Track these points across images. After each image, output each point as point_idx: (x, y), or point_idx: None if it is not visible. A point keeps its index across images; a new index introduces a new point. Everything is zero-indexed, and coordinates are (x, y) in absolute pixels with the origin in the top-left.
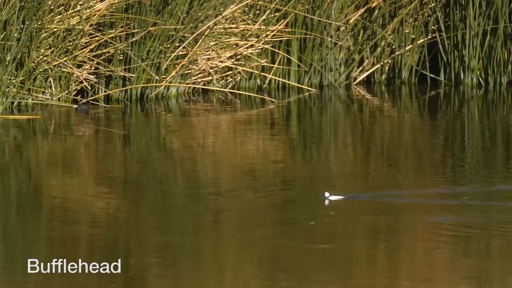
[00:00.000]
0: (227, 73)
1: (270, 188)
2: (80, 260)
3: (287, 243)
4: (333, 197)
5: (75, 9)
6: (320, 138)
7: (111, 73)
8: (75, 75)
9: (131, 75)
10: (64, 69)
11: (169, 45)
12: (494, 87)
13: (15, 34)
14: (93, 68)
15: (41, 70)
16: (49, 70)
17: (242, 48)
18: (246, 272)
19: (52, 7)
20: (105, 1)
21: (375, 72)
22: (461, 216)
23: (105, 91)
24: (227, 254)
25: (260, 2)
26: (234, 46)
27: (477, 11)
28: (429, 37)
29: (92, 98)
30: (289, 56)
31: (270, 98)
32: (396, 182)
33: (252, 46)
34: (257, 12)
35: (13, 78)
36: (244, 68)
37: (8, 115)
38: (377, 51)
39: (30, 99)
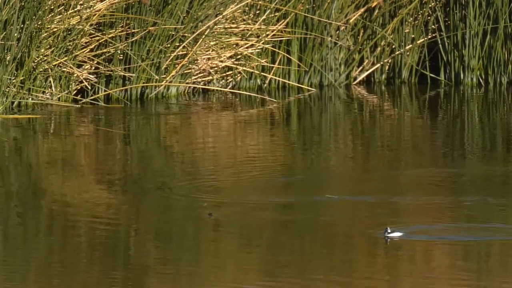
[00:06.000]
0: (227, 73)
1: (270, 187)
2: (80, 259)
3: (287, 242)
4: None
5: (75, 9)
6: (319, 137)
7: (111, 72)
8: (75, 75)
9: (131, 74)
10: (64, 69)
11: (169, 45)
12: (494, 87)
13: (15, 34)
14: (93, 68)
15: (41, 70)
16: (49, 70)
17: (242, 48)
18: (246, 270)
19: (52, 7)
20: (105, 1)
21: (375, 71)
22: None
23: (105, 91)
24: (227, 254)
25: (260, 2)
26: (234, 46)
27: (477, 10)
28: (429, 36)
29: (92, 98)
30: (289, 56)
31: (270, 98)
32: (396, 184)
33: (252, 46)
34: (257, 12)
35: (13, 78)
36: (244, 68)
37: (8, 115)
38: (377, 50)
39: (30, 99)
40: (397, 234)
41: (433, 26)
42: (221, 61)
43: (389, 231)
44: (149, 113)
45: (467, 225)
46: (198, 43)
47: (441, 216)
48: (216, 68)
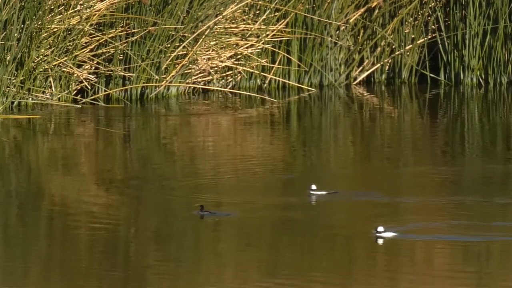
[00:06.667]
0: (227, 73)
1: (269, 186)
2: (80, 258)
3: (286, 242)
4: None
5: (75, 9)
6: (319, 137)
7: (111, 72)
8: (75, 75)
9: (131, 74)
10: (64, 69)
11: (169, 45)
12: (494, 87)
13: (15, 34)
14: (93, 68)
15: (41, 70)
16: (49, 70)
17: (242, 48)
18: (245, 272)
19: (52, 7)
20: (105, 1)
21: (375, 72)
22: None
23: (105, 91)
24: (226, 254)
25: (260, 2)
26: (234, 46)
27: (477, 11)
28: (429, 37)
29: (92, 98)
30: (289, 56)
31: (270, 98)
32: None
33: (252, 46)
34: (257, 12)
35: (13, 78)
36: (244, 68)
37: (8, 115)
38: (377, 51)
39: (30, 99)
40: (389, 233)
41: (433, 26)
42: (221, 61)
43: (378, 230)
44: (149, 113)
45: (462, 224)
46: (198, 43)
47: (437, 215)
48: (216, 68)
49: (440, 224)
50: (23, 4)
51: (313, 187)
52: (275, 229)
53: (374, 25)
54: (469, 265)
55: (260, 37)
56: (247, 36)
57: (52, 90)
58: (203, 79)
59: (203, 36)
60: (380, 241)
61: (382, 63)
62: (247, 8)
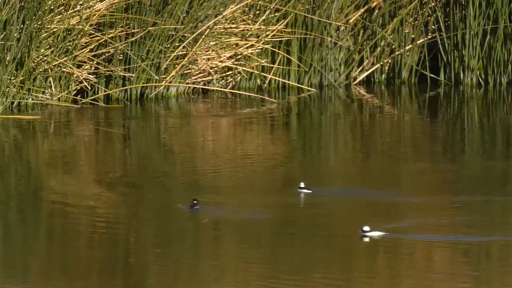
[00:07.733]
0: (227, 73)
1: (269, 186)
2: (79, 258)
3: (285, 242)
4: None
5: (75, 9)
6: (319, 138)
7: (111, 73)
8: (75, 75)
9: (131, 75)
10: (64, 69)
11: (169, 45)
12: (494, 87)
13: (15, 34)
14: (93, 68)
15: (41, 70)
16: (49, 70)
17: (242, 48)
18: (244, 271)
19: (52, 7)
20: (105, 1)
21: (375, 72)
22: None
23: (105, 91)
24: (226, 256)
25: (260, 2)
26: (234, 46)
27: (477, 11)
28: (429, 37)
29: (92, 98)
30: (289, 56)
31: (270, 98)
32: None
33: (252, 46)
34: (257, 12)
35: (13, 78)
36: (244, 68)
37: (8, 115)
38: (377, 51)
39: (30, 99)
40: (376, 233)
41: (433, 26)
42: (221, 61)
43: (364, 229)
44: (149, 113)
45: (460, 223)
46: (198, 43)
47: (434, 214)
48: (216, 68)
49: (436, 223)
50: (23, 4)
51: (302, 185)
52: (274, 228)
53: (374, 25)
54: (467, 265)
55: (260, 37)
56: (247, 36)
57: (52, 90)
58: (203, 79)
59: (203, 36)
60: (367, 240)
61: (382, 63)
62: (247, 8)
